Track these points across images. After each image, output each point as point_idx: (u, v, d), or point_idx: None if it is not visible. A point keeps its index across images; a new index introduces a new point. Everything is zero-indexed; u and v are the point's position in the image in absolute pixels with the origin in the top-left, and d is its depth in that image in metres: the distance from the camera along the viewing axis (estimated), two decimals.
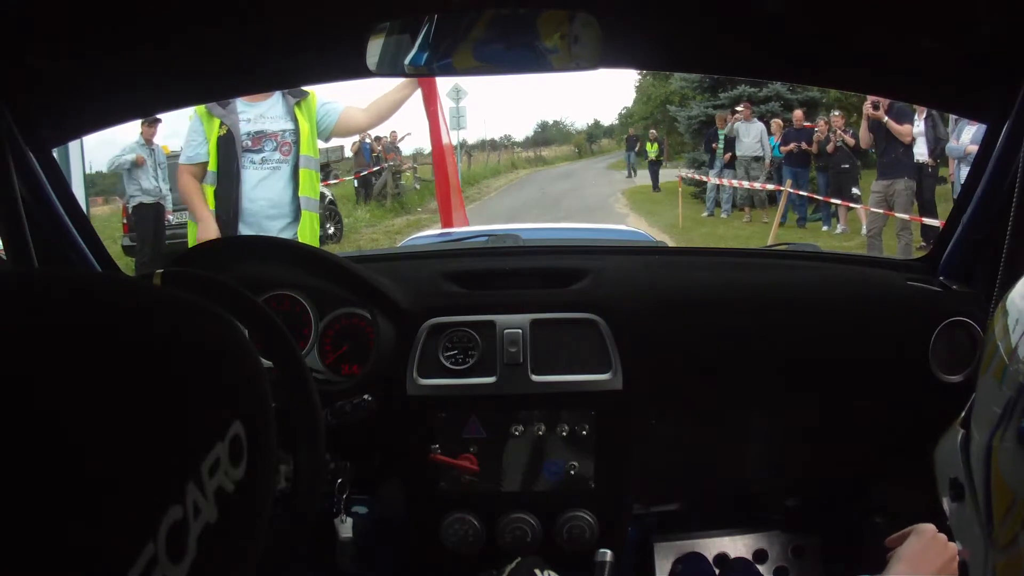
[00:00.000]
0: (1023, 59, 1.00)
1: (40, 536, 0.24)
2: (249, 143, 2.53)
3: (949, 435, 0.48)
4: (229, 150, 2.51)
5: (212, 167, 2.54)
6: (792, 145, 8.98)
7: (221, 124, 2.51)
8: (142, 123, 6.55)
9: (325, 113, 2.64)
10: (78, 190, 5.12)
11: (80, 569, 0.26)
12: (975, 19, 0.96)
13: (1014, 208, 1.02)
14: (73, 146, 4.91)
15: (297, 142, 2.54)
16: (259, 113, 2.54)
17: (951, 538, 0.83)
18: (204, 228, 2.57)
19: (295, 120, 2.55)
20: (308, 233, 2.58)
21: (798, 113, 9.51)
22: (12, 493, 0.24)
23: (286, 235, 2.52)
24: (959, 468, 0.44)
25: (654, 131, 16.57)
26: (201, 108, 2.54)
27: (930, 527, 0.85)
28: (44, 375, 0.27)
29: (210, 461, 0.32)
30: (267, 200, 2.53)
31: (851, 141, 7.91)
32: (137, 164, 6.58)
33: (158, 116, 6.23)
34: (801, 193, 8.69)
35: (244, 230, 2.52)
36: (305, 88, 2.58)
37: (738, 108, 10.08)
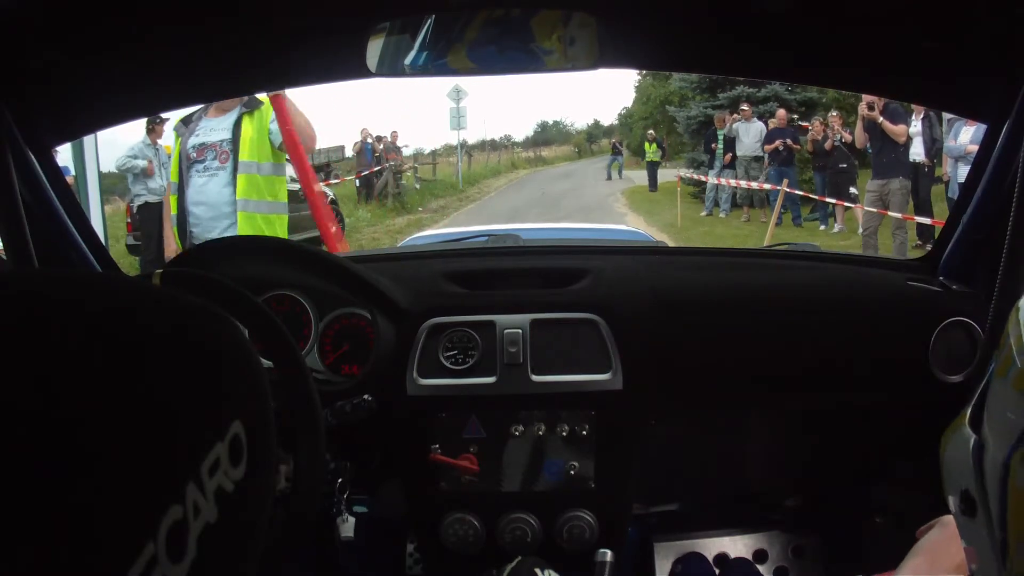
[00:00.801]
0: (1023, 59, 1.00)
1: (40, 536, 0.24)
2: (194, 155, 2.79)
3: (958, 438, 0.45)
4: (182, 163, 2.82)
5: (174, 179, 2.84)
6: (778, 142, 9.00)
7: (181, 141, 2.82)
8: (148, 123, 6.54)
9: (277, 129, 2.80)
10: (93, 190, 5.12)
11: (80, 569, 0.26)
12: (975, 19, 0.96)
13: (1014, 208, 1.01)
14: (88, 146, 4.90)
15: (235, 149, 2.74)
16: (211, 127, 2.79)
17: None
18: (165, 246, 2.99)
19: (238, 129, 2.75)
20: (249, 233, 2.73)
21: (781, 113, 9.56)
22: (11, 492, 0.24)
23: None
24: (970, 479, 0.42)
25: (652, 132, 16.63)
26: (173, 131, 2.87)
27: (954, 520, 0.83)
28: (43, 375, 0.27)
29: (210, 461, 0.32)
30: (206, 204, 2.76)
31: (849, 137, 7.93)
32: (147, 173, 6.59)
33: (165, 116, 6.24)
34: (797, 192, 8.72)
35: (193, 231, 2.76)
36: (262, 99, 2.78)
37: (743, 107, 10.09)
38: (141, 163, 6.54)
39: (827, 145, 8.25)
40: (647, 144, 15.94)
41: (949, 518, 0.83)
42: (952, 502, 0.45)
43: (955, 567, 0.77)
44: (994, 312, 1.05)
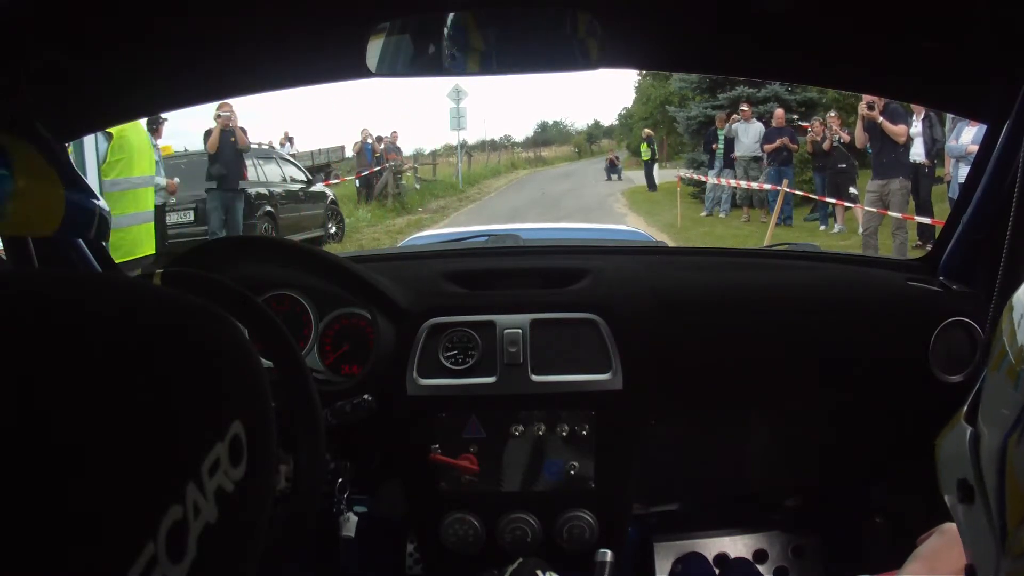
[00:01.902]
0: (1023, 59, 1.00)
1: (40, 536, 0.24)
2: None
3: (954, 432, 0.46)
4: None
5: None
6: (779, 141, 9.02)
7: None
8: (149, 123, 6.53)
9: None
10: (93, 189, 5.16)
11: (80, 569, 0.26)
12: (975, 19, 0.96)
13: (1014, 208, 1.01)
14: (88, 146, 4.92)
15: None
16: None
17: None
18: None
19: None
20: None
21: (779, 112, 9.58)
22: (11, 492, 0.24)
23: None
24: (967, 468, 0.43)
25: (647, 131, 16.57)
26: None
27: (954, 527, 0.82)
28: (44, 375, 0.27)
29: (210, 461, 0.32)
30: None
31: (847, 138, 7.94)
32: (170, 191, 6.57)
33: (164, 116, 6.24)
34: (797, 192, 8.73)
35: None
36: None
37: (743, 107, 10.10)
38: (160, 181, 6.55)
39: (825, 146, 8.26)
40: (643, 144, 15.93)
41: (948, 525, 0.83)
42: (948, 495, 0.46)
43: (953, 573, 0.77)
44: (994, 312, 1.05)
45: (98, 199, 1.02)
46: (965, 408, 0.45)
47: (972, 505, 0.43)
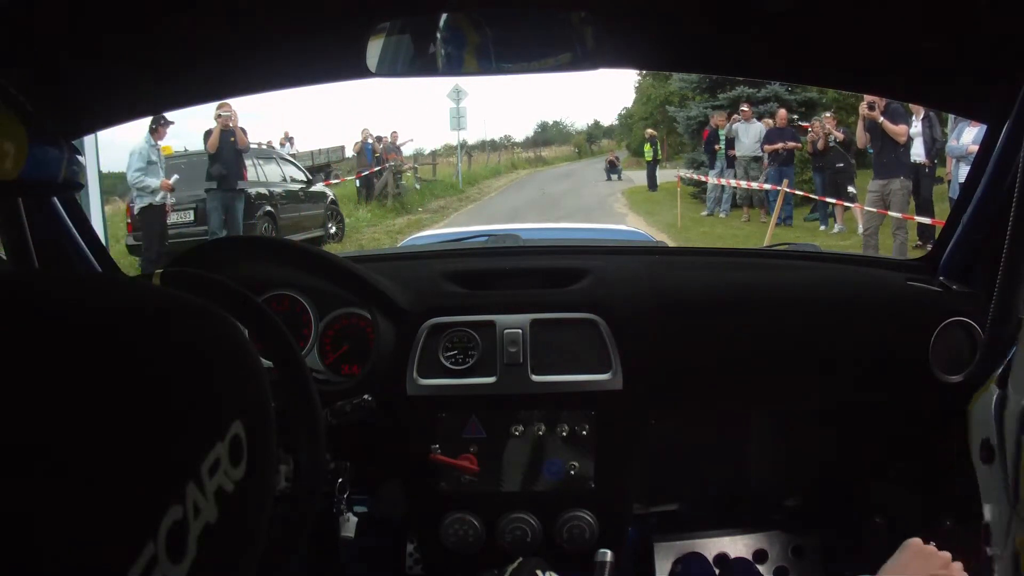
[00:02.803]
0: (1023, 59, 1.00)
1: (40, 535, 0.24)
2: None
3: (985, 395, 0.46)
4: None
5: None
6: (779, 144, 9.02)
7: None
8: (152, 123, 6.53)
9: None
10: (93, 190, 5.12)
11: (80, 569, 0.26)
12: (975, 19, 0.96)
13: (1014, 208, 1.01)
14: (88, 146, 4.92)
15: None
16: None
17: (952, 538, 0.81)
18: None
19: None
20: None
21: (782, 113, 9.59)
22: (11, 493, 0.24)
23: None
24: (991, 428, 0.43)
25: (649, 131, 16.55)
26: None
27: (916, 541, 0.85)
28: (43, 375, 0.27)
29: (210, 461, 0.32)
30: None
31: (840, 136, 7.94)
32: (165, 189, 6.60)
33: (170, 119, 6.26)
34: (797, 192, 8.74)
35: None
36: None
37: (743, 107, 10.10)
38: (153, 182, 6.56)
39: (820, 145, 8.26)
40: (646, 145, 15.93)
41: (910, 541, 0.85)
42: (975, 455, 0.47)
43: None
44: (994, 312, 1.05)
45: (68, 147, 0.94)
46: (999, 372, 0.46)
47: (992, 465, 0.43)
